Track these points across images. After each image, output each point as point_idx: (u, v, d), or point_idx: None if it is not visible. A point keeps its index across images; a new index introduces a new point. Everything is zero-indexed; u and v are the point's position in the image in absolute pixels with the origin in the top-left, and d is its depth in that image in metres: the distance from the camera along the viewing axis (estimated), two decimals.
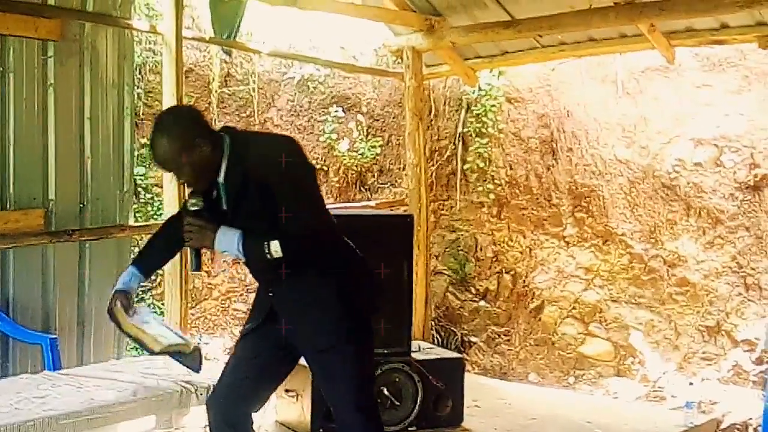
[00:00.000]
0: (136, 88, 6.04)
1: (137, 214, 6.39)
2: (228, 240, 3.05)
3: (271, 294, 3.27)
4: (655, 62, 6.89)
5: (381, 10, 6.68)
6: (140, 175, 6.68)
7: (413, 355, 5.29)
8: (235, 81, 7.37)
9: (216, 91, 7.19)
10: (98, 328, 5.38)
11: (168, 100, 5.39)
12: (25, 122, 4.93)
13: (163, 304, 5.75)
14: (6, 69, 4.84)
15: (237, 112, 7.37)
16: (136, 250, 6.52)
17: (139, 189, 6.64)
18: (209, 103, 7.20)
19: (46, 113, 5.03)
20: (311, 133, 7.51)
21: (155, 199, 6.60)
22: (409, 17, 6.70)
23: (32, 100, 4.96)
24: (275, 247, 3.00)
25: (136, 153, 6.19)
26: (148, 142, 3.17)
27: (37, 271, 5.07)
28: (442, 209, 7.76)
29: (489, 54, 7.12)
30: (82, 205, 5.24)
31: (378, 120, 7.76)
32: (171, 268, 5.43)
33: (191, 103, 7.21)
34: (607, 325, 7.05)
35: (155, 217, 6.43)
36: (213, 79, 7.20)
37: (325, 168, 7.50)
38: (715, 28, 5.98)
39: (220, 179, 3.10)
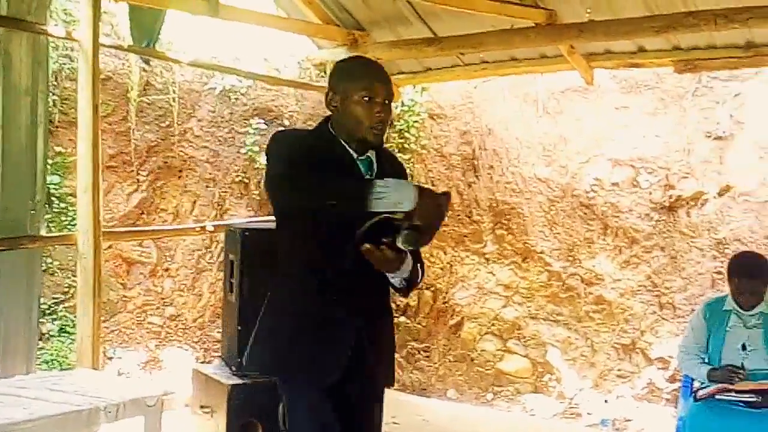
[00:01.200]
0: (51, 95, 5.87)
1: (50, 225, 6.21)
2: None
3: (362, 327, 2.85)
4: (575, 83, 7.00)
5: (304, 24, 6.64)
6: (54, 185, 6.50)
7: None
8: (154, 90, 7.22)
9: (134, 100, 7.04)
10: (6, 341, 5.18)
11: (84, 108, 5.25)
12: None
13: (74, 317, 5.59)
14: None
15: (156, 122, 7.22)
16: (49, 261, 6.38)
17: (53, 198, 6.45)
18: (127, 112, 7.04)
19: None
20: (232, 144, 7.41)
21: (69, 209, 6.43)
22: (332, 31, 6.67)
23: None
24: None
25: (50, 161, 6.04)
26: None
27: None
28: None
29: (412, 70, 7.13)
30: None
31: None
32: (83, 281, 5.28)
33: (111, 110, 7.08)
34: (525, 342, 7.11)
35: (69, 227, 6.26)
36: (132, 88, 7.05)
37: (246, 180, 7.40)
38: (633, 52, 6.09)
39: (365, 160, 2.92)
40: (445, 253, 7.54)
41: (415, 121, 7.57)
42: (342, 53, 6.77)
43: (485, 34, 5.96)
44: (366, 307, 2.86)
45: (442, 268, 7.53)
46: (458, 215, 7.49)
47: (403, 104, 7.59)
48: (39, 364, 6.21)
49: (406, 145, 7.58)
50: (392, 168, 2.97)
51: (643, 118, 7.15)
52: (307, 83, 7.34)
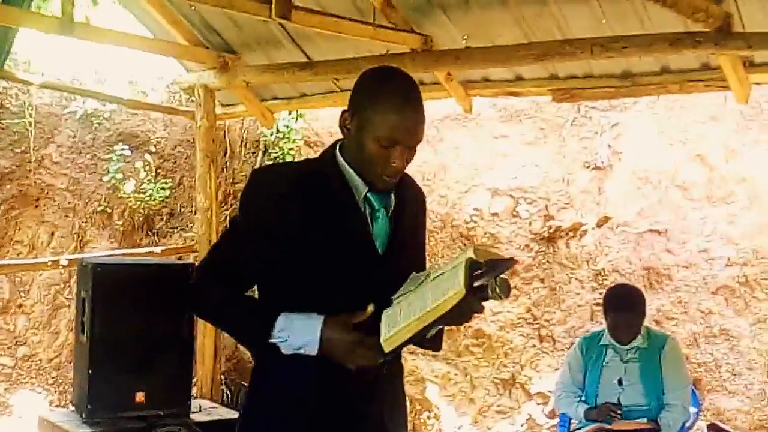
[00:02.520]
0: None
1: None
2: None
3: (363, 405, 2.27)
4: (455, 111, 6.84)
5: (170, 45, 6.27)
6: None
7: (192, 416, 4.92)
8: (9, 113, 6.75)
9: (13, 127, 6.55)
10: None
11: None
12: None
13: None
14: None
15: (10, 147, 6.74)
16: None
17: None
18: None
19: None
20: (94, 172, 6.97)
21: None
22: (200, 53, 6.33)
23: None
24: None
25: None
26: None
27: None
28: None
29: (287, 96, 6.84)
30: None
31: (168, 160, 7.31)
32: None
33: None
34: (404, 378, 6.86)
35: None
36: None
37: (109, 210, 6.96)
38: (511, 80, 5.95)
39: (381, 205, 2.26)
40: None
41: (291, 149, 7.28)
42: (211, 77, 6.45)
43: (360, 59, 5.71)
44: (366, 382, 2.24)
45: None
46: None
47: (278, 131, 7.29)
48: None
49: None
50: (414, 201, 2.41)
51: (522, 148, 7.06)
52: (173, 108, 6.96)
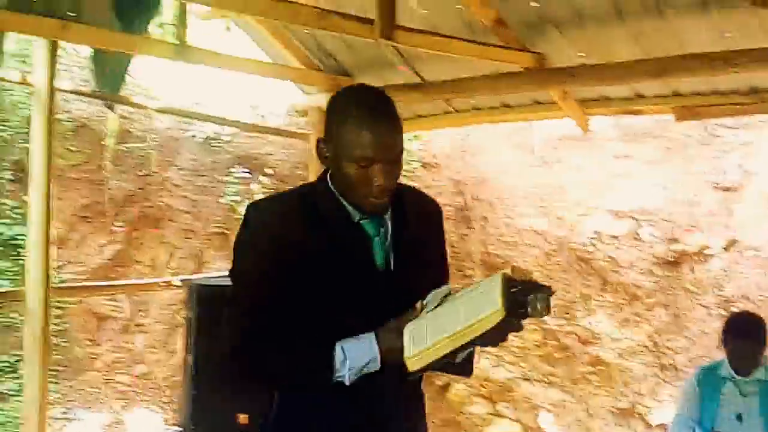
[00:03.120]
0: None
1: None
2: None
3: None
4: (573, 131, 6.64)
5: (284, 68, 6.31)
6: (22, 236, 6.19)
7: None
8: (132, 138, 6.94)
9: (111, 148, 6.75)
10: None
11: (36, 157, 4.95)
12: None
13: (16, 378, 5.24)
14: None
15: (133, 170, 6.93)
16: (13, 315, 6.04)
17: (19, 250, 6.14)
18: (102, 160, 6.76)
19: None
20: (212, 194, 7.08)
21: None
22: (314, 76, 6.34)
23: None
24: None
25: (18, 211, 5.77)
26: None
27: None
28: None
29: (402, 117, 6.77)
30: None
31: (285, 182, 7.36)
32: (30, 340, 4.93)
33: (86, 159, 6.80)
34: (516, 405, 6.67)
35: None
36: (107, 136, 6.76)
37: (226, 231, 7.05)
38: (630, 98, 5.72)
39: (387, 215, 2.16)
40: None
41: (406, 170, 7.21)
42: (325, 99, 6.45)
43: (472, 79, 5.60)
44: (394, 398, 2.15)
45: None
46: (450, 269, 7.09)
47: None
48: None
49: None
50: (418, 216, 2.23)
51: (645, 168, 6.79)
52: (288, 131, 7.00)
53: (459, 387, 6.86)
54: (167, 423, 6.37)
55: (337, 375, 2.00)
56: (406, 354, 1.95)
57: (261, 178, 7.18)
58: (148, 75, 6.94)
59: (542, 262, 6.79)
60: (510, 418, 6.64)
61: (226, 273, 2.22)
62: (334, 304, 2.07)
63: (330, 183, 2.13)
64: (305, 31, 6.09)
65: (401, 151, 2.09)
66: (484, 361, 6.85)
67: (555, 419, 6.49)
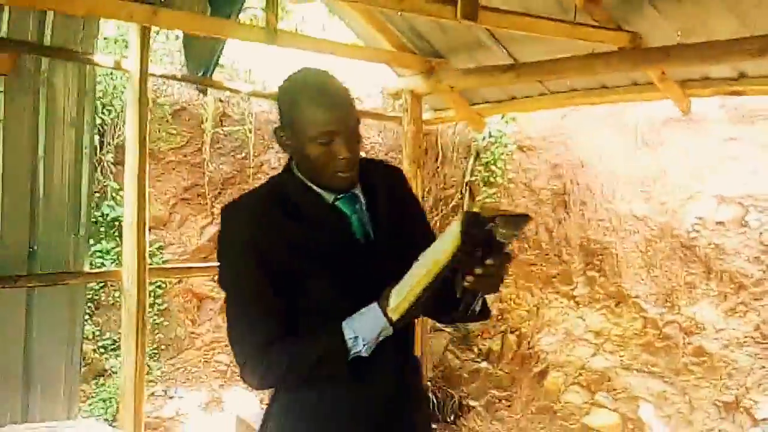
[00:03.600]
0: (96, 125, 5.73)
1: (118, 259, 6.08)
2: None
3: (389, 399, 2.22)
4: (677, 112, 6.38)
5: (376, 51, 6.31)
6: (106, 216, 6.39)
7: None
8: (231, 121, 7.04)
9: (209, 132, 6.87)
10: (46, 382, 5.02)
11: (130, 140, 5.08)
12: None
13: (118, 356, 5.39)
14: None
15: (232, 154, 7.03)
16: (117, 294, 6.23)
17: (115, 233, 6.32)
18: (202, 143, 6.88)
19: None
20: None
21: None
22: (406, 58, 6.31)
23: None
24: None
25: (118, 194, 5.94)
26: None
27: None
28: None
29: (496, 99, 6.69)
30: (31, 249, 4.91)
31: None
32: (127, 319, 5.08)
33: (185, 142, 6.94)
34: (615, 395, 6.48)
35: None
36: (206, 119, 6.88)
37: None
38: (733, 78, 5.47)
39: (357, 190, 2.21)
40: (531, 295, 7.00)
41: (503, 153, 7.10)
42: (417, 82, 6.41)
43: (564, 60, 5.47)
44: (395, 368, 2.21)
45: (527, 311, 7.00)
46: (546, 254, 6.95)
47: (490, 135, 7.13)
48: (96, 402, 6.07)
49: (491, 179, 7.11)
50: (386, 184, 2.29)
51: (755, 151, 6.45)
52: (381, 114, 6.99)
53: (556, 375, 6.71)
54: (263, 403, 6.46)
55: (352, 351, 2.04)
56: (389, 308, 2.03)
57: None
58: (245, 58, 7.01)
59: (643, 248, 6.57)
60: (609, 408, 6.45)
61: None
62: (326, 288, 2.09)
63: (296, 171, 2.18)
64: (398, 14, 6.07)
65: (358, 122, 2.13)
66: (581, 349, 6.69)
67: (655, 411, 6.27)
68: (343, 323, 2.05)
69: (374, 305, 2.04)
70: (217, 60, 5.58)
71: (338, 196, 2.17)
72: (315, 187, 2.15)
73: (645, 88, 5.84)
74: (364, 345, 2.04)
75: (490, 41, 6.05)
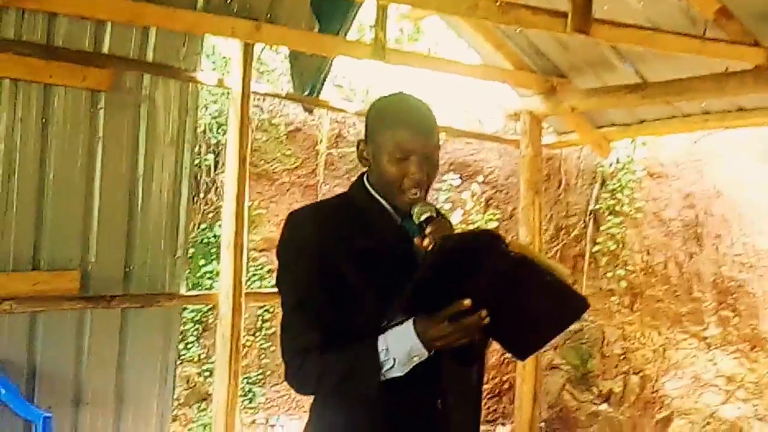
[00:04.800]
0: (199, 144, 5.64)
1: (216, 278, 5.97)
2: None
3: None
4: None
5: (491, 69, 5.98)
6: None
7: None
8: (346, 142, 6.86)
9: (323, 153, 6.70)
10: (139, 404, 4.90)
11: (232, 157, 4.95)
12: (66, 177, 4.57)
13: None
14: (49, 120, 4.51)
15: (346, 176, 6.84)
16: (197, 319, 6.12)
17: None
18: (316, 165, 6.73)
19: (92, 168, 4.65)
20: None
21: (250, 264, 6.15)
22: (525, 77, 5.96)
23: (76, 154, 4.59)
24: None
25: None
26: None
27: (69, 338, 4.64)
28: None
29: (624, 122, 6.24)
30: (127, 270, 4.80)
31: (501, 191, 7.01)
32: (221, 345, 4.93)
33: (300, 163, 6.82)
34: None
35: (249, 285, 5.95)
36: (321, 140, 6.72)
37: None
38: None
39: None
40: (658, 334, 6.50)
41: (630, 180, 6.64)
42: (536, 102, 6.06)
43: (693, 79, 5.02)
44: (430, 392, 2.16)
45: (653, 351, 6.49)
46: (676, 291, 6.44)
47: (617, 161, 6.69)
48: (197, 428, 5.96)
49: (617, 208, 6.66)
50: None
51: None
52: (498, 137, 6.63)
53: (681, 423, 6.19)
54: None
55: (385, 369, 2.01)
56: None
57: (473, 186, 6.87)
58: (356, 77, 6.83)
59: None
60: None
61: None
62: (379, 304, 2.06)
63: (368, 186, 2.24)
64: (517, 30, 5.75)
65: (436, 148, 2.20)
66: (710, 395, 6.14)
67: None
68: (380, 335, 2.02)
69: (410, 320, 2.00)
70: (325, 78, 5.39)
71: (405, 218, 2.18)
72: (385, 204, 2.21)
73: None
74: (395, 361, 2.00)
75: (615, 59, 5.64)
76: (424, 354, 1.98)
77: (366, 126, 2.24)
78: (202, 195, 6.57)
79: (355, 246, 2.12)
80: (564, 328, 2.08)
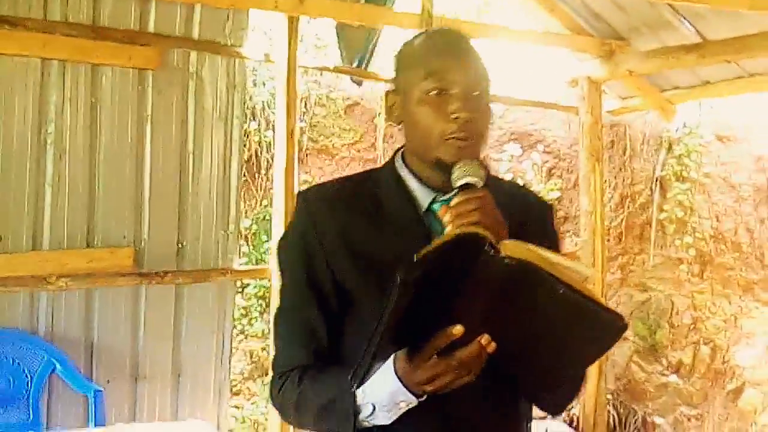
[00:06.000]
0: (247, 120, 5.65)
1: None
2: None
3: None
4: None
5: (544, 34, 5.85)
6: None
7: None
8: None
9: (382, 126, 6.65)
10: (196, 378, 4.98)
11: (280, 134, 4.96)
12: (117, 155, 4.66)
13: None
14: (98, 100, 4.59)
15: (391, 150, 6.79)
16: (239, 296, 6.16)
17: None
18: (375, 139, 6.69)
19: (141, 146, 4.73)
20: None
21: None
22: (583, 42, 5.81)
23: (125, 133, 4.67)
24: None
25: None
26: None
27: (125, 314, 4.75)
28: (632, 264, 6.67)
29: (688, 84, 6.04)
30: (180, 246, 4.88)
31: (564, 159, 6.85)
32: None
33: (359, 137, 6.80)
34: None
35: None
36: (379, 114, 6.67)
37: None
38: None
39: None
40: (729, 303, 6.28)
41: (698, 145, 6.42)
42: (595, 67, 5.90)
43: (751, 37, 4.81)
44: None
45: (724, 321, 6.28)
46: (747, 258, 6.22)
47: (684, 125, 6.47)
48: (261, 401, 6.02)
49: (684, 173, 6.45)
50: (517, 219, 1.61)
51: None
52: (554, 104, 6.46)
53: (753, 393, 5.98)
54: None
55: (365, 415, 1.55)
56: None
57: (534, 155, 6.74)
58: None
59: None
60: None
61: None
62: (375, 314, 1.48)
63: (401, 163, 1.74)
64: None
65: (486, 85, 1.66)
66: None
67: None
68: (359, 391, 1.56)
69: (390, 360, 1.51)
70: (373, 49, 5.35)
71: (440, 198, 1.66)
72: (416, 185, 1.69)
73: None
74: (374, 407, 1.54)
75: (674, 19, 5.45)
76: (413, 400, 1.51)
77: (395, 71, 1.75)
78: (263, 171, 6.60)
79: (359, 243, 1.67)
80: (592, 358, 1.57)
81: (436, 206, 1.67)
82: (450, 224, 1.51)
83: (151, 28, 4.70)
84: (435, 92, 1.61)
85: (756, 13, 4.74)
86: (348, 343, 1.66)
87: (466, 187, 1.56)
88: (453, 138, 1.60)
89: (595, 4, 5.69)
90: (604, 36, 5.85)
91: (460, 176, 1.57)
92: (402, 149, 1.77)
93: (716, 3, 4.52)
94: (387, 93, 1.75)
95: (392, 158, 1.78)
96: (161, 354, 4.87)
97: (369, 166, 6.54)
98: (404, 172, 1.71)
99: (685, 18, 5.41)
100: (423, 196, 1.69)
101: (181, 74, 4.83)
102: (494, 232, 1.44)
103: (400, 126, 1.72)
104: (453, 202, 1.54)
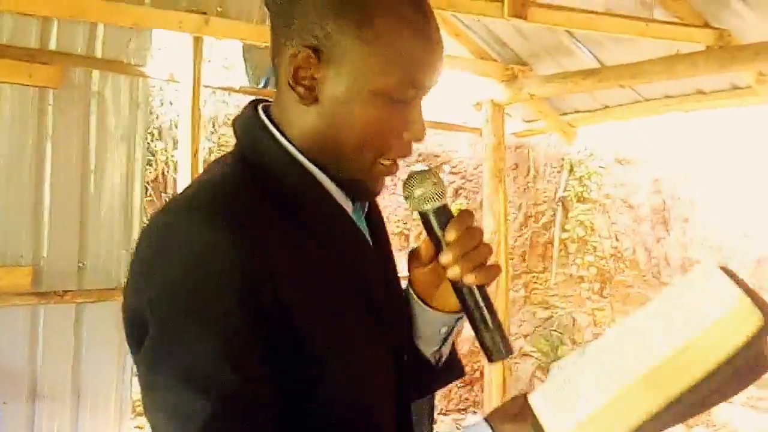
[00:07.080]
0: (149, 139, 5.64)
1: None
2: None
3: None
4: None
5: (450, 58, 5.96)
6: None
7: None
8: None
9: None
10: (97, 398, 4.92)
11: (184, 151, 4.96)
12: (15, 174, 4.59)
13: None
14: None
15: None
16: None
17: None
18: None
19: (42, 165, 4.67)
20: (393, 193, 6.83)
21: None
22: (485, 66, 5.96)
23: (25, 151, 4.61)
24: None
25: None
26: None
27: (23, 333, 4.66)
28: (536, 282, 6.84)
29: (587, 108, 6.23)
30: (81, 265, 4.82)
31: (471, 180, 7.00)
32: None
33: None
34: (716, 429, 5.89)
35: None
36: None
37: (407, 231, 6.80)
38: None
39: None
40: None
41: (598, 167, 6.62)
42: (498, 91, 6.05)
43: (645, 62, 5.01)
44: None
45: None
46: (644, 276, 6.42)
47: (585, 148, 6.67)
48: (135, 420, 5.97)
49: (586, 194, 6.65)
50: (379, 227, 1.32)
51: None
52: (460, 125, 6.61)
53: None
54: None
55: None
56: None
57: (442, 176, 6.86)
58: None
59: (752, 271, 5.96)
60: None
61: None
62: (353, 372, 1.13)
63: (285, 143, 1.16)
64: (477, 18, 5.74)
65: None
66: None
67: None
68: None
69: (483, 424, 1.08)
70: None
71: (356, 206, 1.25)
72: (325, 179, 1.18)
73: (745, 92, 5.29)
74: None
75: (573, 45, 5.64)
76: None
77: (323, 18, 1.12)
78: (170, 191, 6.58)
79: (303, 265, 1.11)
80: None
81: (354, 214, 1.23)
82: (453, 266, 1.17)
83: (53, 45, 4.66)
84: (404, 94, 1.16)
85: (650, 40, 4.95)
86: (317, 414, 1.11)
87: (445, 215, 1.20)
88: (389, 165, 1.22)
89: (498, 31, 5.84)
90: (507, 61, 6.01)
91: (428, 197, 1.21)
92: (270, 124, 1.18)
93: (611, 29, 4.67)
94: (305, 52, 1.12)
95: (266, 139, 1.17)
96: (60, 374, 4.79)
97: None
98: (303, 160, 1.16)
99: (583, 44, 5.60)
100: (337, 194, 1.20)
101: (84, 93, 4.77)
102: None
103: (307, 103, 1.14)
104: (450, 237, 1.18)
